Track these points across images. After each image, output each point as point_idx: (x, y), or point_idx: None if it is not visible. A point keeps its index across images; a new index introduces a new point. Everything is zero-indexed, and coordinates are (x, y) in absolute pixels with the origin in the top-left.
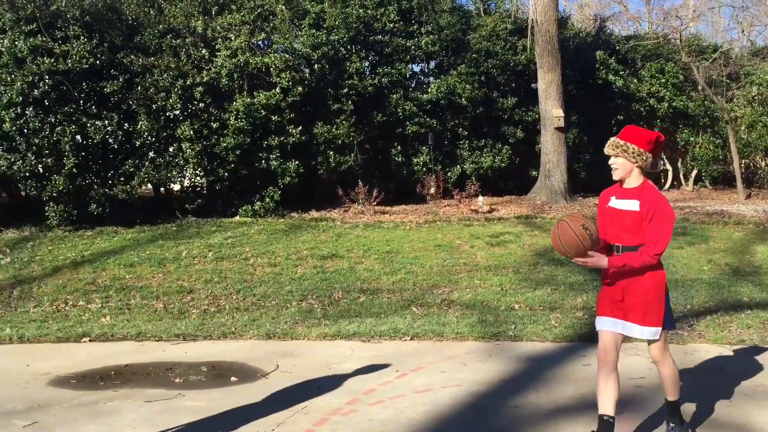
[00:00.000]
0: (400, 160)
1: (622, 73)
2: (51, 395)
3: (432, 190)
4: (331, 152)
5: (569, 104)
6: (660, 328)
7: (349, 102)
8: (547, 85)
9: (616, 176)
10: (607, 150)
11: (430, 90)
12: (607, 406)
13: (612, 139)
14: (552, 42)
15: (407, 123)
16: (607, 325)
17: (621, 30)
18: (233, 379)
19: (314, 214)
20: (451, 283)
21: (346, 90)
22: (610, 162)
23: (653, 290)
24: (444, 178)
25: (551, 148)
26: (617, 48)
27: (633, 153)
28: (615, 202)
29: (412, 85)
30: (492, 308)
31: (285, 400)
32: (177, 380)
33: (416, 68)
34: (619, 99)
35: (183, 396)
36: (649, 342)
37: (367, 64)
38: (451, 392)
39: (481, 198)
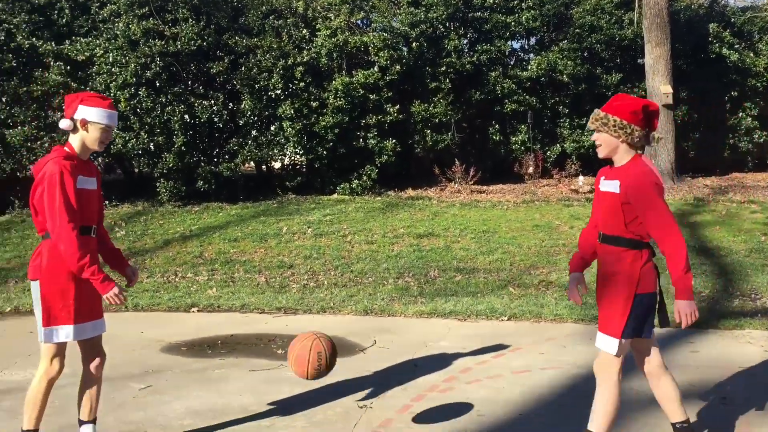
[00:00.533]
0: (497, 138)
1: (737, 46)
2: (163, 361)
3: (530, 170)
4: (428, 131)
5: (678, 80)
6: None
7: (447, 80)
8: (655, 60)
9: (600, 154)
10: (588, 124)
11: (530, 67)
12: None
13: (595, 110)
14: (661, 15)
15: (506, 101)
16: None
17: (736, 1)
18: None
19: (410, 192)
20: (550, 264)
21: (443, 68)
22: (592, 137)
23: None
24: (543, 158)
25: (658, 126)
26: (732, 20)
27: (615, 126)
28: (602, 183)
29: (512, 63)
30: (592, 291)
31: (383, 374)
32: (279, 351)
33: (516, 45)
34: (733, 74)
35: (285, 367)
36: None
37: (465, 42)
38: (551, 374)
39: (581, 178)
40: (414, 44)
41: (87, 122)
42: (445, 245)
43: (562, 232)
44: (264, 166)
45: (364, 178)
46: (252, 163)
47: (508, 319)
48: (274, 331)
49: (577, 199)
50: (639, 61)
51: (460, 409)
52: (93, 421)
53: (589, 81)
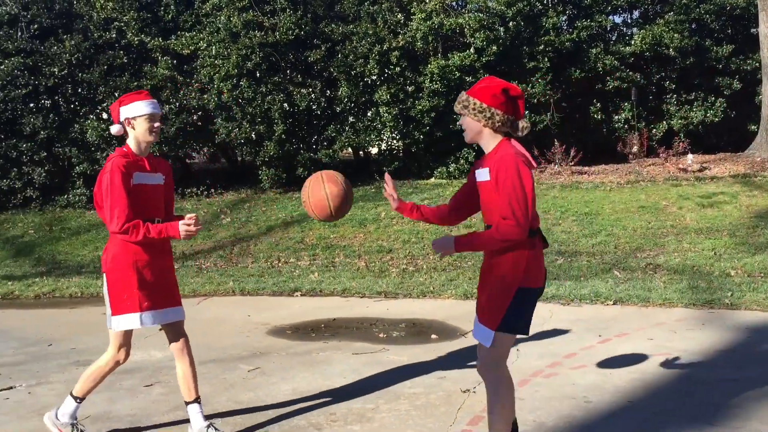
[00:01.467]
0: (599, 117)
1: None
2: (270, 344)
3: (634, 149)
4: (527, 111)
5: None
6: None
7: (545, 59)
8: None
9: (465, 138)
10: (455, 106)
11: (633, 42)
12: None
13: (461, 93)
14: None
15: (607, 78)
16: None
17: None
18: (433, 336)
19: None
20: (657, 247)
21: (542, 47)
22: (460, 122)
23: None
24: (648, 136)
25: (524, 114)
26: None
27: (475, 109)
28: (476, 173)
29: (613, 38)
30: (704, 274)
31: None
32: (381, 335)
33: (617, 19)
34: None
35: (387, 350)
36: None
37: (564, 18)
38: (660, 361)
39: (690, 156)
40: (510, 24)
41: (131, 119)
42: (545, 228)
43: (670, 213)
44: (361, 152)
45: (462, 161)
46: (350, 149)
47: (613, 304)
48: (375, 315)
49: (686, 178)
50: (752, 30)
51: (566, 394)
52: (196, 400)
53: (697, 54)
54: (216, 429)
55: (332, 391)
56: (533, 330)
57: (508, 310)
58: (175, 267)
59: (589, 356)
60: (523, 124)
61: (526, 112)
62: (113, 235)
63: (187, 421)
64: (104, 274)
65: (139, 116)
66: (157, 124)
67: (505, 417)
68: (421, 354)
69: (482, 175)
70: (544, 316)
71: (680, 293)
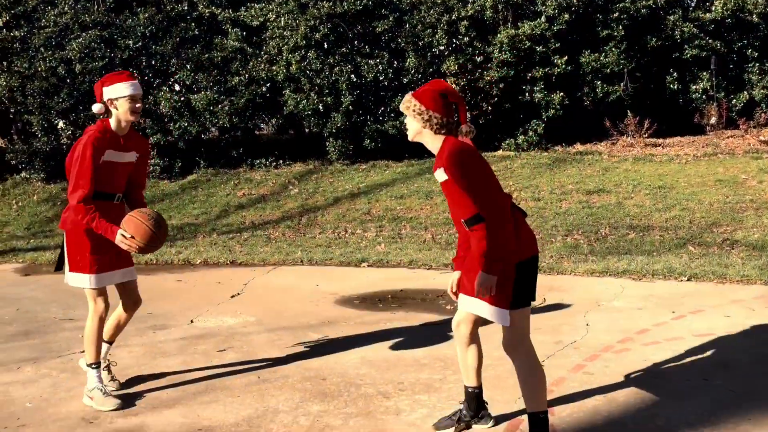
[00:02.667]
0: (675, 87)
1: None
2: (338, 313)
3: (713, 120)
4: (599, 82)
5: None
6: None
7: (620, 27)
8: None
9: (409, 137)
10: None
11: (713, 8)
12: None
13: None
14: None
15: (685, 46)
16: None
17: None
18: None
19: (579, 147)
20: (735, 222)
21: (616, 14)
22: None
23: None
24: (727, 107)
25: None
26: None
27: (414, 111)
28: (436, 174)
29: (693, 4)
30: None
31: (554, 333)
32: (447, 307)
33: None
34: None
35: None
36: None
37: None
38: (737, 339)
39: None
40: None
41: (113, 100)
42: (616, 202)
43: (750, 187)
44: None
45: (530, 133)
46: None
47: (687, 280)
48: (441, 287)
49: (767, 150)
50: None
51: (638, 371)
52: (110, 342)
53: None
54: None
55: (400, 361)
56: (603, 306)
57: (515, 287)
58: (245, 236)
59: (662, 332)
60: (465, 129)
61: (598, 82)
62: None
63: (260, 378)
64: (64, 232)
65: (121, 97)
66: (138, 105)
67: (543, 390)
68: (489, 327)
69: (439, 175)
70: (614, 291)
71: (759, 270)
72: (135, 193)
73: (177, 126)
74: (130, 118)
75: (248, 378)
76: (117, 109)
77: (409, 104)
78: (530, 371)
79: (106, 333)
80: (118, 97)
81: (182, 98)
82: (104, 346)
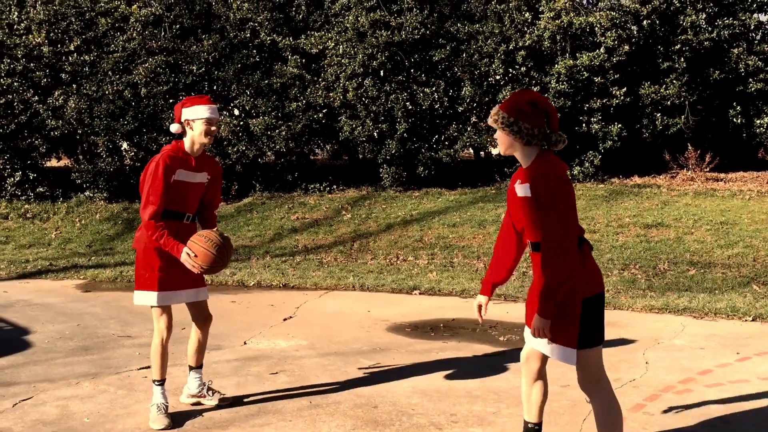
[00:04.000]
0: (738, 121)
1: None
2: (389, 340)
3: None
4: (658, 114)
5: None
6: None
7: (681, 59)
8: None
9: (499, 151)
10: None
11: None
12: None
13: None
14: None
15: (750, 80)
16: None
17: None
18: None
19: (637, 179)
20: None
21: (678, 46)
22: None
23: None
24: None
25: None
26: None
27: (504, 123)
28: (517, 187)
29: (758, 37)
30: None
31: (612, 369)
32: (501, 338)
33: (763, 17)
34: None
35: (508, 355)
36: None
37: (703, 16)
38: None
39: None
40: (645, 22)
41: (190, 121)
42: (676, 236)
43: None
44: (482, 153)
45: (587, 164)
46: (470, 150)
47: (752, 320)
48: (495, 318)
49: None
50: None
51: (701, 413)
52: (199, 367)
53: None
54: (212, 391)
55: (452, 392)
56: (663, 344)
57: (582, 325)
58: (298, 260)
59: (726, 374)
60: (555, 138)
61: (658, 114)
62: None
63: (311, 403)
64: (135, 251)
65: (199, 119)
66: (213, 128)
67: (621, 430)
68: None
69: (522, 190)
70: (675, 329)
71: None
72: (207, 212)
73: (235, 149)
74: (204, 140)
75: (300, 402)
76: (192, 130)
77: (497, 116)
78: (609, 411)
79: (191, 358)
80: (195, 118)
81: (241, 122)
82: (193, 373)
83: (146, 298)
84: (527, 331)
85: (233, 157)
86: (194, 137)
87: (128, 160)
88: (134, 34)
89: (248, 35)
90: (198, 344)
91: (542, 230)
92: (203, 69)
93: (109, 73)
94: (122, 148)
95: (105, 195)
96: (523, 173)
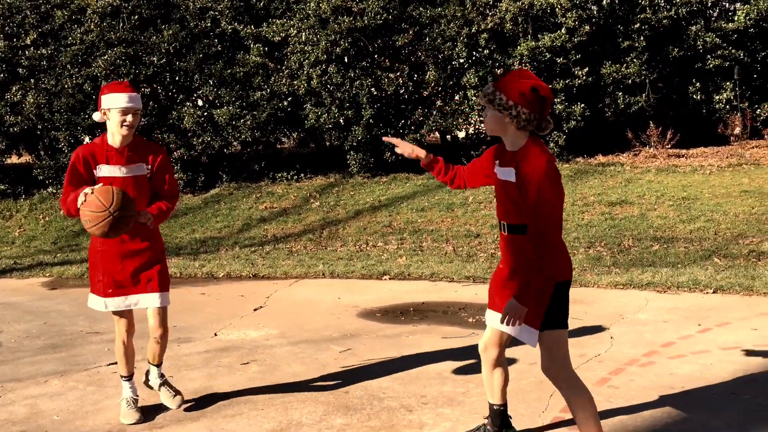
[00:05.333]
0: (698, 98)
1: None
2: (360, 326)
3: (737, 130)
4: (620, 93)
5: None
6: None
7: (641, 38)
8: None
9: (486, 131)
10: (476, 100)
11: (736, 18)
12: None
13: (487, 84)
14: None
15: (708, 57)
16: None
17: None
18: None
19: (600, 158)
20: (761, 233)
21: (637, 25)
22: (482, 116)
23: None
24: (751, 117)
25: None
26: None
27: (500, 105)
28: (497, 169)
29: (715, 14)
30: None
31: (578, 345)
32: (470, 320)
33: None
34: None
35: (476, 335)
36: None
37: None
38: (765, 352)
39: None
40: (604, 2)
41: (107, 110)
42: (639, 213)
43: None
44: (448, 136)
45: (551, 144)
46: (437, 134)
47: (713, 292)
48: (464, 300)
49: None
50: None
51: (664, 384)
52: (157, 365)
53: None
54: (173, 392)
55: (423, 374)
56: (628, 319)
57: (551, 307)
58: (267, 249)
59: (688, 345)
60: (546, 123)
61: (619, 93)
62: None
63: (283, 391)
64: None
65: (114, 108)
66: (129, 119)
67: (594, 413)
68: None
69: (505, 173)
70: (639, 303)
71: None
72: (168, 202)
73: (200, 140)
74: (122, 131)
75: (271, 391)
76: (109, 120)
77: (492, 97)
78: (578, 392)
79: (150, 356)
80: (111, 107)
81: (205, 113)
82: (153, 368)
83: (95, 302)
84: (490, 314)
85: (198, 149)
86: (111, 128)
87: None
88: (92, 26)
89: (209, 24)
90: (155, 347)
91: (533, 219)
92: (164, 60)
93: (68, 66)
94: (84, 142)
95: None
96: (507, 156)
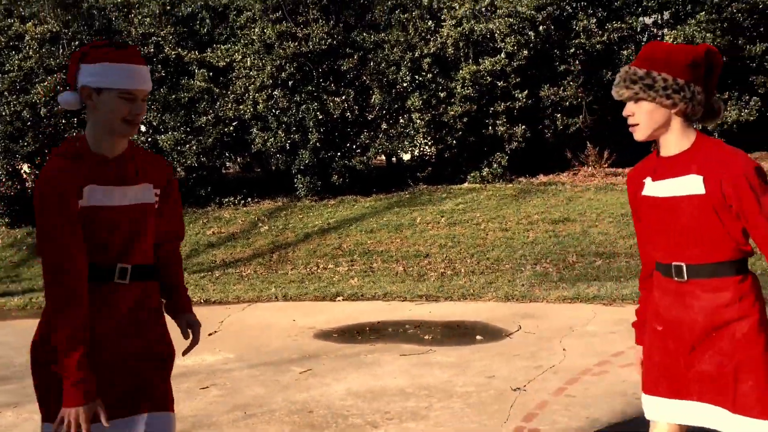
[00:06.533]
0: None
1: None
2: (318, 346)
3: None
4: (558, 114)
5: None
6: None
7: (576, 62)
8: None
9: (639, 135)
10: (617, 90)
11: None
12: None
13: (623, 69)
14: None
15: None
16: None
17: None
18: (478, 337)
19: (542, 178)
20: None
21: (572, 50)
22: (625, 112)
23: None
24: None
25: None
26: None
27: (667, 89)
28: (654, 187)
29: (644, 39)
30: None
31: (532, 358)
32: (426, 337)
33: (648, 20)
34: None
35: (434, 351)
36: None
37: (594, 21)
38: None
39: None
40: (541, 27)
41: (95, 90)
42: (582, 230)
43: None
44: (393, 158)
45: (494, 165)
46: (383, 156)
47: None
48: (418, 318)
49: None
50: None
51: (618, 391)
52: None
53: (730, 53)
54: None
55: (385, 391)
56: (578, 331)
57: None
58: (217, 274)
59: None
60: (717, 104)
61: (558, 115)
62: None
63: (246, 414)
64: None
65: (113, 88)
66: (138, 107)
67: None
68: (468, 354)
69: (679, 186)
70: (587, 316)
71: None
72: (167, 254)
73: None
74: (127, 130)
75: (234, 414)
76: (98, 109)
77: (651, 81)
78: None
79: None
80: (105, 86)
81: (149, 138)
82: None
83: None
84: (701, 409)
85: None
86: (104, 122)
87: (29, 183)
88: (31, 53)
89: (152, 50)
90: None
91: (758, 238)
92: None
93: (5, 93)
94: (22, 171)
95: (6, 220)
96: (672, 162)
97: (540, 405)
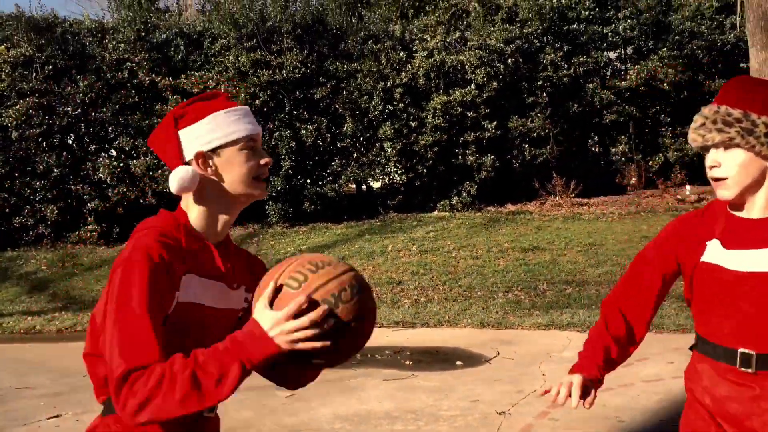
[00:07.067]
0: (597, 150)
1: None
2: None
3: (633, 181)
4: (526, 145)
5: None
6: None
7: (544, 94)
8: (761, 63)
9: (727, 193)
10: (701, 133)
11: (628, 77)
12: None
13: (708, 109)
14: (766, 17)
15: (605, 112)
16: None
17: None
18: (458, 363)
19: (510, 207)
20: None
21: (540, 82)
22: (708, 163)
23: None
24: (645, 168)
25: None
26: None
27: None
28: (725, 256)
29: (609, 73)
30: None
31: (514, 383)
32: (407, 362)
33: (613, 55)
34: None
35: (417, 376)
36: None
37: (561, 55)
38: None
39: (688, 187)
40: (509, 60)
41: (209, 152)
42: (551, 258)
43: None
44: (364, 186)
45: (464, 194)
46: (353, 184)
47: None
48: (397, 344)
49: (685, 208)
50: (742, 65)
51: (599, 415)
52: None
53: (690, 88)
54: None
55: (372, 415)
56: (555, 357)
57: None
58: None
59: (615, 379)
60: None
61: (526, 145)
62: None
63: None
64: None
65: (235, 140)
66: (265, 160)
67: None
68: (450, 379)
69: (754, 260)
70: (562, 343)
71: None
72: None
73: (116, 192)
74: (258, 189)
75: None
76: (220, 175)
77: (750, 125)
78: None
79: None
80: (225, 140)
81: (121, 164)
82: None
83: None
84: None
85: (114, 200)
86: (234, 184)
87: None
88: (3, 76)
89: (126, 75)
90: None
91: None
92: (79, 110)
93: None
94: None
95: None
96: (758, 226)
97: (525, 428)
